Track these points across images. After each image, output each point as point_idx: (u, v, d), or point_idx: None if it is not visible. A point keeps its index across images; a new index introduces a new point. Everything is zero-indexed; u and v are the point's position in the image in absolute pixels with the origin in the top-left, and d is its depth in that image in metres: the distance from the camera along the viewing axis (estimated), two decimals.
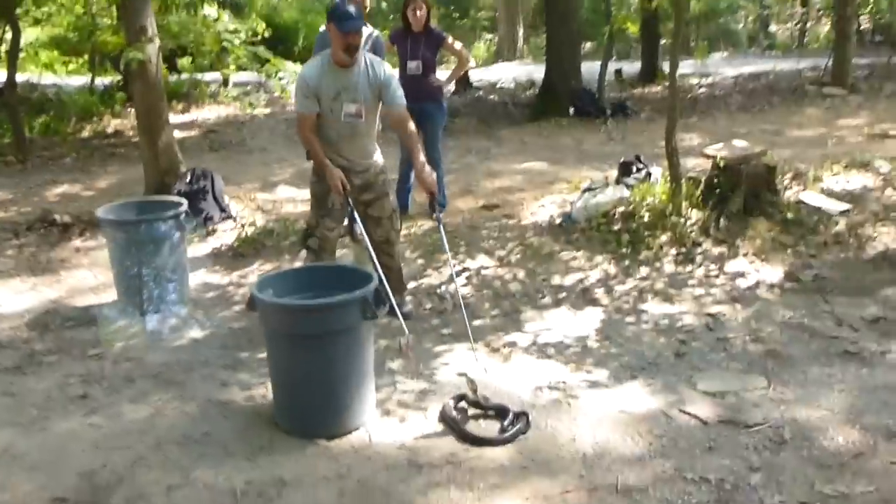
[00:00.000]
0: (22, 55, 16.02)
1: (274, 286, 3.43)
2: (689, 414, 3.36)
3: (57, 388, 3.79)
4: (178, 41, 8.86)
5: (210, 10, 13.11)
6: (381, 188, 4.29)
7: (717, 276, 4.88)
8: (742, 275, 4.85)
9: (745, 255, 5.06)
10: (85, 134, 11.76)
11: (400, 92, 4.10)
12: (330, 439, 3.25)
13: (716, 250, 5.13)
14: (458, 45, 6.34)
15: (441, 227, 4.47)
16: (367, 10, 5.53)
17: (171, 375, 3.91)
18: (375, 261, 4.12)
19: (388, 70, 4.11)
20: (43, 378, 3.91)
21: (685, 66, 16.42)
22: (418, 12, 5.81)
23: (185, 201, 4.82)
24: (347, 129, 4.09)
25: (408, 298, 4.63)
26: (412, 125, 4.22)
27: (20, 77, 15.51)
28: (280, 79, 6.73)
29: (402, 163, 6.30)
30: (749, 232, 5.25)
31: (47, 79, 15.88)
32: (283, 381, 3.33)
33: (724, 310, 4.46)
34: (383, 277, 3.85)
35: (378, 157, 4.33)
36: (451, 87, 7.40)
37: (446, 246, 4.42)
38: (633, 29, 5.87)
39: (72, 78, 15.85)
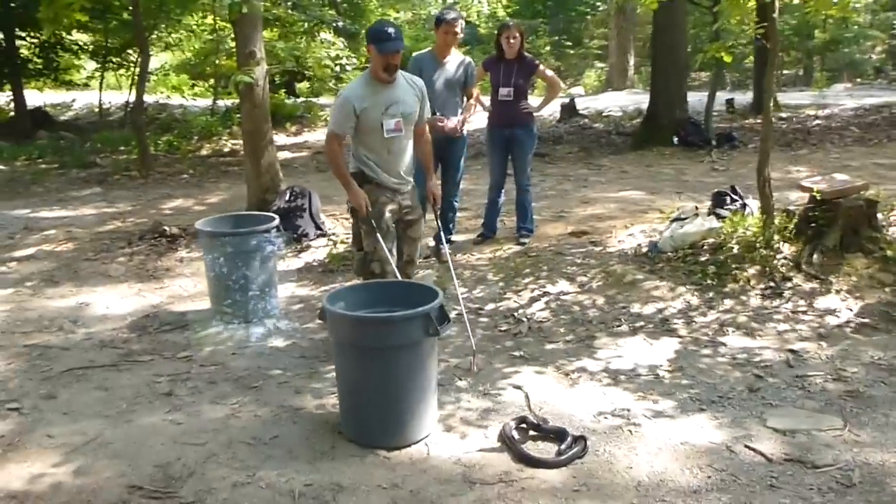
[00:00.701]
0: (153, 78, 17.27)
1: (346, 299, 3.58)
2: (754, 450, 3.26)
3: (146, 385, 4.07)
4: (283, 66, 9.31)
5: (326, 36, 13.76)
6: (419, 210, 4.46)
7: (804, 313, 4.69)
8: (832, 312, 4.65)
9: (838, 292, 4.85)
10: (203, 152, 12.50)
11: (428, 106, 4.42)
12: (390, 450, 3.35)
13: (807, 286, 4.94)
14: (549, 72, 6.41)
15: (447, 254, 5.05)
16: (458, 36, 5.68)
17: (250, 380, 4.12)
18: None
19: (423, 84, 4.34)
20: (135, 375, 4.21)
21: (802, 97, 15.96)
22: (511, 40, 5.91)
23: (277, 217, 5.07)
24: (394, 145, 4.20)
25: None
26: (429, 136, 4.52)
27: (151, 98, 16.76)
28: None
29: (491, 188, 6.40)
30: (844, 268, 5.03)
31: (175, 100, 16.99)
32: (348, 392, 3.46)
33: (807, 347, 4.29)
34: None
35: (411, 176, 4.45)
36: (543, 112, 7.39)
37: (455, 279, 4.77)
38: (726, 59, 5.70)
39: (197, 100, 16.88)
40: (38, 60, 15.99)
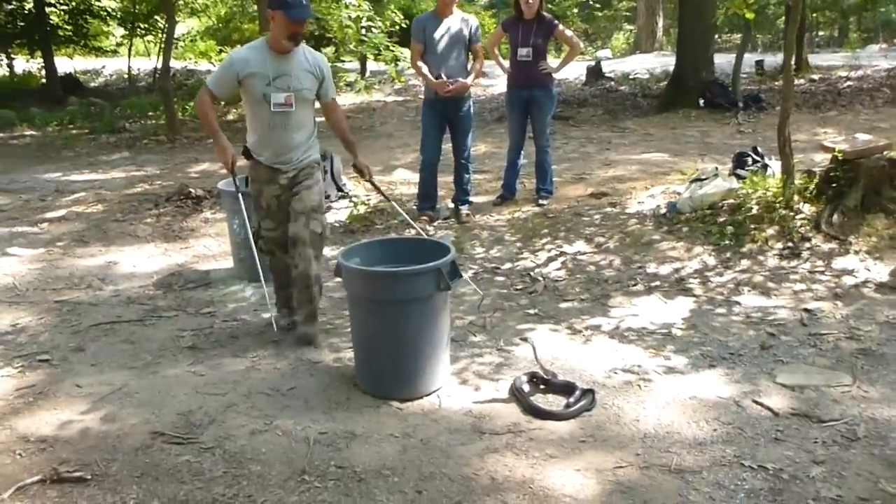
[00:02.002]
0: (181, 44, 17.37)
1: (361, 255, 3.65)
2: (761, 405, 3.30)
3: (170, 339, 4.21)
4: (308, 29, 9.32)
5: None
6: (307, 182, 4.01)
7: (822, 273, 4.68)
8: (850, 272, 4.64)
9: (857, 252, 4.82)
10: (230, 117, 12.57)
11: (332, 84, 4.11)
12: (403, 402, 3.44)
13: (825, 246, 4.92)
14: (568, 32, 6.36)
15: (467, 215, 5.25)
16: None
17: (270, 335, 4.23)
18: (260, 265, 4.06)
19: (325, 61, 4.05)
20: (160, 330, 4.34)
21: (835, 59, 15.63)
22: (530, 0, 5.88)
23: None
24: (279, 120, 3.89)
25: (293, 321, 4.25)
26: (341, 112, 4.24)
27: (179, 64, 16.88)
28: (396, 65, 6.97)
29: (510, 149, 6.41)
30: (864, 229, 4.99)
31: (203, 66, 17.10)
32: (362, 344, 3.55)
33: (822, 306, 4.29)
34: (263, 277, 4.03)
35: (314, 153, 4.12)
36: (568, 75, 7.35)
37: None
38: (749, 16, 5.62)
39: None
40: (68, 27, 16.17)
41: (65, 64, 16.59)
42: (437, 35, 5.65)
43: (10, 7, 14.47)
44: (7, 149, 10.97)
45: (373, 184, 4.41)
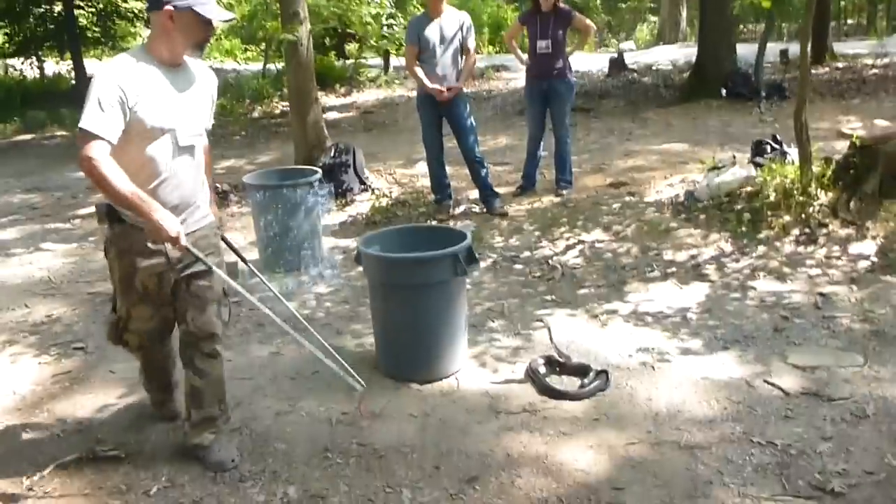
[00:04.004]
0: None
1: (381, 243, 3.77)
2: (772, 384, 3.37)
3: None
4: (327, 24, 9.46)
5: None
6: (215, 256, 2.95)
7: (838, 258, 4.72)
8: (865, 257, 4.67)
9: (874, 237, 4.85)
10: (255, 114, 12.78)
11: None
12: (422, 384, 3.55)
13: (842, 232, 4.95)
14: (586, 21, 6.39)
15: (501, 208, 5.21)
16: None
17: (294, 323, 4.31)
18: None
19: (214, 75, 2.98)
20: None
21: (861, 47, 15.45)
22: None
23: (319, 171, 5.29)
24: (181, 162, 2.76)
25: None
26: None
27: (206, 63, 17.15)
28: None
29: (529, 140, 6.49)
30: (882, 214, 5.01)
31: (228, 65, 17.34)
32: (382, 329, 3.67)
33: (837, 290, 4.34)
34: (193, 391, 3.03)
35: (211, 205, 3.06)
36: (591, 67, 7.31)
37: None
38: (765, 5, 5.65)
39: (249, 64, 17.20)
40: (96, 29, 16.48)
41: (94, 65, 16.90)
42: (429, 35, 5.63)
43: (39, 11, 14.78)
44: (39, 149, 11.27)
45: (224, 240, 3.20)
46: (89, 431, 3.32)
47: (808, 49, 5.59)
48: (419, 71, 5.70)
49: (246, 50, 18.40)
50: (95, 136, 2.52)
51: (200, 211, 2.91)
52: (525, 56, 6.34)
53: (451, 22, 5.68)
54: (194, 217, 2.87)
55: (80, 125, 2.54)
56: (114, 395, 3.63)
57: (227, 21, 3.00)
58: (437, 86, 5.64)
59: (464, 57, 5.76)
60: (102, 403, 3.55)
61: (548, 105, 6.28)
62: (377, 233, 3.93)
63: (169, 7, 2.62)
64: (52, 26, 14.96)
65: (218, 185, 7.18)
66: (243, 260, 3.31)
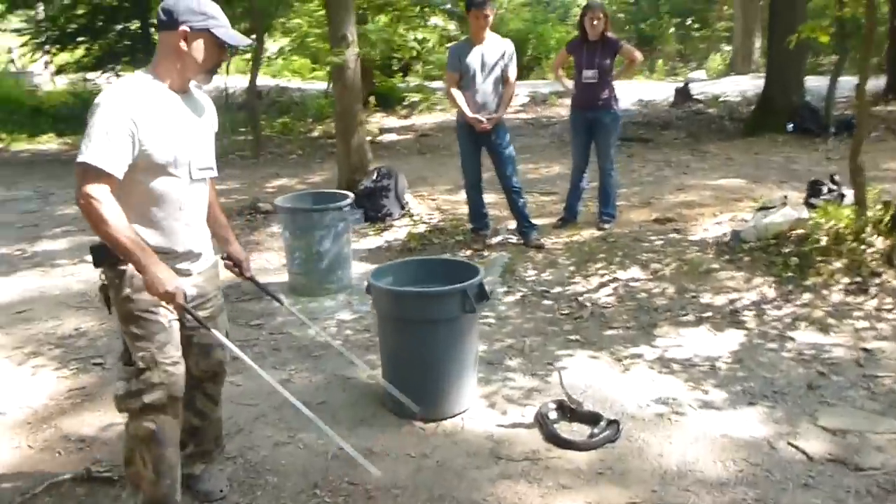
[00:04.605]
0: (279, 62, 17.99)
1: (394, 274, 3.69)
2: (796, 447, 3.14)
3: None
4: (374, 48, 9.52)
5: (437, 20, 13.90)
6: (218, 299, 2.85)
7: (890, 311, 4.42)
8: None
9: None
10: (315, 134, 12.94)
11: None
12: (426, 422, 3.44)
13: None
14: (634, 52, 6.22)
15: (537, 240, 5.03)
16: (489, 19, 5.51)
17: (311, 350, 4.31)
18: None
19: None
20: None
21: None
22: (595, 21, 5.83)
23: (351, 196, 5.26)
24: (194, 196, 2.60)
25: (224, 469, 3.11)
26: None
27: (272, 81, 17.51)
28: None
29: (573, 171, 6.35)
30: None
31: (295, 83, 17.67)
32: (389, 363, 3.57)
33: (884, 346, 4.04)
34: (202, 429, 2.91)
35: (233, 243, 2.95)
36: (656, 97, 7.09)
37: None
38: (823, 39, 5.39)
39: (315, 83, 17.49)
40: None
41: None
42: (471, 62, 5.53)
43: (118, 27, 15.34)
44: None
45: (253, 280, 3.07)
46: (90, 450, 3.33)
47: (866, 84, 5.31)
48: (459, 98, 5.63)
49: (313, 69, 18.72)
50: (99, 172, 2.32)
51: (208, 250, 2.74)
52: (571, 84, 6.22)
53: (493, 49, 5.59)
54: (204, 258, 2.71)
55: (80, 158, 2.33)
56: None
57: (243, 46, 2.83)
58: (477, 116, 5.55)
59: (504, 85, 5.65)
60: (109, 422, 3.55)
61: (593, 136, 6.13)
62: (392, 264, 3.86)
63: (184, 28, 2.45)
64: (129, 42, 15.49)
65: (261, 204, 7.26)
66: (276, 299, 3.26)
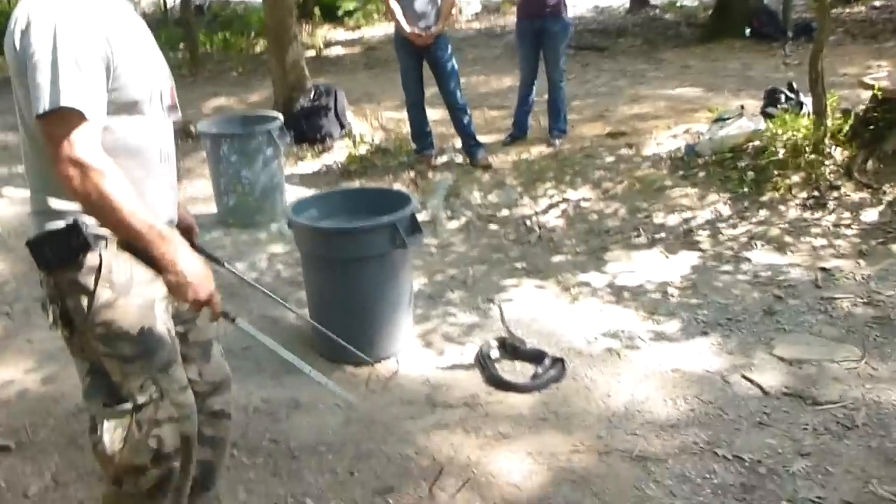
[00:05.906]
0: None
1: (319, 207, 3.35)
2: (750, 381, 2.94)
3: None
4: None
5: None
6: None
7: (848, 226, 4.22)
8: (879, 226, 4.16)
9: (891, 204, 4.33)
10: (257, 49, 12.22)
11: None
12: (357, 366, 3.18)
13: (855, 196, 4.44)
14: None
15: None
16: None
17: (239, 288, 3.97)
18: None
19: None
20: None
21: None
22: None
23: (280, 117, 4.85)
24: (168, 139, 1.88)
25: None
26: None
27: None
28: None
29: (521, 85, 5.99)
30: None
31: None
32: (315, 304, 3.29)
33: (842, 265, 3.85)
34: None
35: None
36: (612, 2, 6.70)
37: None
38: None
39: None
40: None
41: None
42: None
43: None
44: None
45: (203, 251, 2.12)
46: None
47: None
48: (396, 9, 5.18)
49: None
50: (83, 120, 1.54)
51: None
52: None
53: None
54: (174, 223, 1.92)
55: (48, 105, 1.52)
56: (24, 368, 3.32)
57: None
58: (414, 29, 5.12)
59: None
60: (9, 378, 3.25)
61: (541, 47, 5.74)
62: (316, 195, 3.54)
63: None
64: None
65: (192, 127, 6.77)
66: (220, 263, 2.22)
